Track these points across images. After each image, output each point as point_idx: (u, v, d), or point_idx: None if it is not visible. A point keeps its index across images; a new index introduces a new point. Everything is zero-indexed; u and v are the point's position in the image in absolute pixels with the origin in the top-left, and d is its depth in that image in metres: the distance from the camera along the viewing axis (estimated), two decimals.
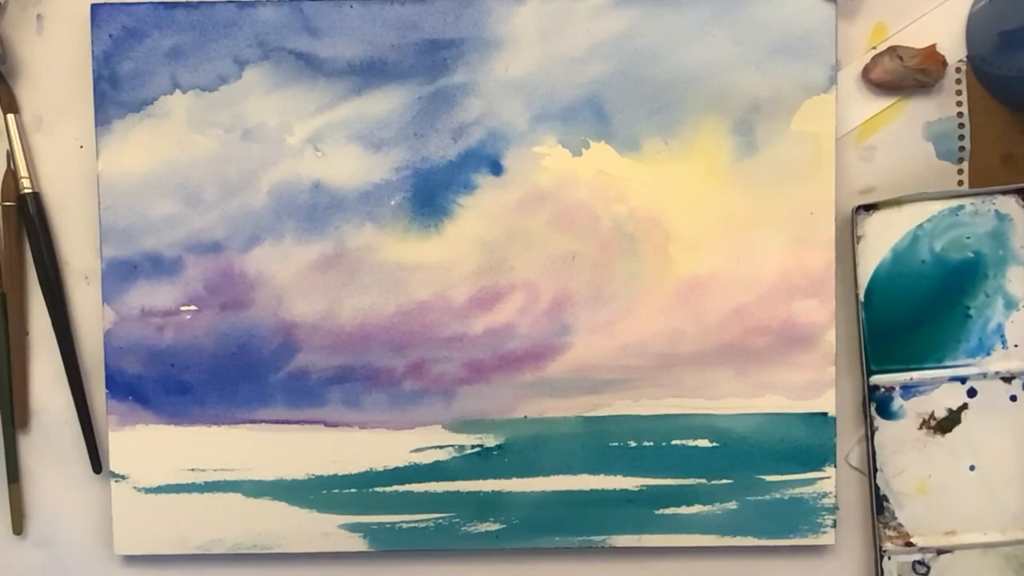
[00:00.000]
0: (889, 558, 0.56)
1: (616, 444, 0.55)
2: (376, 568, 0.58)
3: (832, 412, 0.55)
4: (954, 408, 0.55)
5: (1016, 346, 0.55)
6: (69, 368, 0.57)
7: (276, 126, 0.55)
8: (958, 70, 0.55)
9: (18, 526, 0.58)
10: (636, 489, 0.56)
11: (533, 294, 0.55)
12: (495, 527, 0.56)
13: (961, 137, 0.56)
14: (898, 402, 0.56)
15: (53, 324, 0.56)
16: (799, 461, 0.55)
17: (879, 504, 0.56)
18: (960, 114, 0.56)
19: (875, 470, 0.56)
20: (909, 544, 0.56)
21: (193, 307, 0.55)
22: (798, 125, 0.54)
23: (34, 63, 0.56)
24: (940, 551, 0.56)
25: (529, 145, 0.55)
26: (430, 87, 0.54)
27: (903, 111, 0.56)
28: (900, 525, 0.56)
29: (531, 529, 0.56)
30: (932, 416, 0.56)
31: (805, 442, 0.55)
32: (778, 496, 0.55)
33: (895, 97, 0.56)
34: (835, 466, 0.55)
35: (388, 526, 0.56)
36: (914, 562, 0.56)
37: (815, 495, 0.55)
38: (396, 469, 0.56)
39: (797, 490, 0.55)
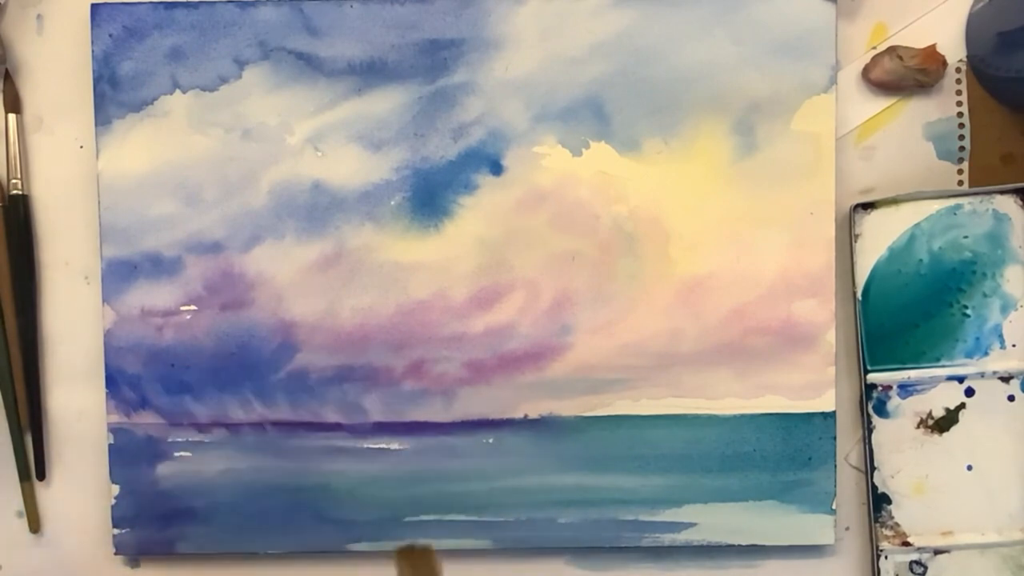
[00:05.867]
0: (886, 558, 0.56)
1: (616, 444, 0.55)
2: (374, 568, 0.58)
3: (832, 412, 0.55)
4: (952, 408, 0.55)
5: (1014, 346, 0.55)
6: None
7: (276, 126, 0.55)
8: (958, 70, 0.56)
9: (34, 524, 0.58)
10: (636, 489, 0.56)
11: (533, 294, 0.55)
12: (494, 527, 0.56)
13: (961, 137, 0.56)
14: (895, 401, 0.56)
15: (25, 324, 0.57)
16: (799, 461, 0.55)
17: (876, 504, 0.56)
18: (960, 114, 0.56)
19: (872, 469, 0.56)
20: (906, 544, 0.56)
21: (193, 307, 0.55)
22: (798, 125, 0.54)
23: (34, 63, 0.56)
24: (937, 551, 0.56)
25: (529, 145, 0.55)
26: (430, 87, 0.54)
27: (903, 111, 0.56)
28: (897, 525, 0.56)
29: (530, 529, 0.56)
30: (930, 415, 0.56)
31: (805, 442, 0.55)
32: (778, 496, 0.55)
33: (895, 97, 0.56)
34: (835, 466, 0.55)
35: (388, 526, 0.56)
36: (911, 562, 0.56)
37: (815, 495, 0.55)
38: (396, 469, 0.56)
39: (797, 490, 0.55)
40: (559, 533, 0.56)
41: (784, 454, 0.55)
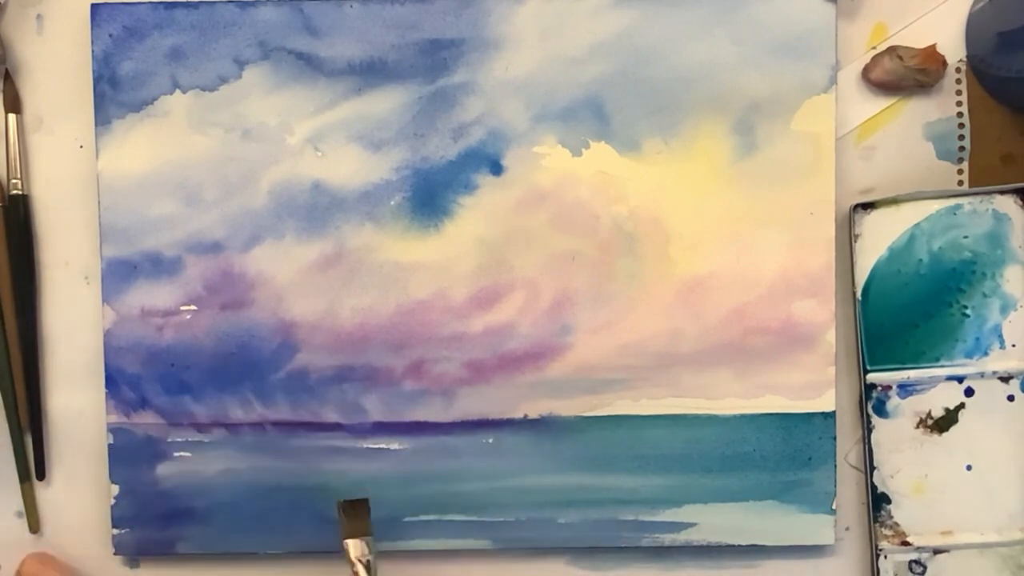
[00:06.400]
0: (885, 557, 0.56)
1: (616, 444, 0.55)
2: (376, 568, 0.58)
3: (832, 412, 0.55)
4: (951, 407, 0.55)
5: (1014, 346, 0.55)
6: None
7: (276, 126, 0.55)
8: (958, 70, 0.56)
9: (34, 524, 0.58)
10: (636, 489, 0.56)
11: (533, 294, 0.55)
12: (494, 527, 0.56)
13: (961, 137, 0.56)
14: (895, 401, 0.56)
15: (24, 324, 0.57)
16: (799, 461, 0.55)
17: (876, 503, 0.56)
18: (960, 114, 0.56)
19: (872, 469, 0.56)
20: (905, 544, 0.56)
21: (193, 307, 0.55)
22: (798, 125, 0.54)
23: (34, 63, 0.56)
24: (936, 551, 0.56)
25: (529, 145, 0.55)
26: (430, 87, 0.54)
27: (903, 111, 0.56)
28: (896, 524, 0.56)
29: (530, 529, 0.56)
30: (929, 415, 0.56)
31: (805, 442, 0.55)
32: (778, 496, 0.55)
33: (895, 97, 0.56)
34: (835, 466, 0.55)
35: (388, 526, 0.56)
36: (910, 562, 0.56)
37: (815, 495, 0.55)
38: (396, 469, 0.56)
39: (797, 490, 0.55)
40: (559, 533, 0.56)
41: (784, 454, 0.55)
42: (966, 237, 0.55)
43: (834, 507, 0.56)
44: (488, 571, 0.58)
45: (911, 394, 0.55)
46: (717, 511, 0.56)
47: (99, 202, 0.55)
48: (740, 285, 0.55)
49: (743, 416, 0.55)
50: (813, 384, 0.55)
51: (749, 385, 0.55)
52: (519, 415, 0.55)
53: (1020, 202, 0.54)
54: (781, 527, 0.56)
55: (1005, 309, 0.55)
